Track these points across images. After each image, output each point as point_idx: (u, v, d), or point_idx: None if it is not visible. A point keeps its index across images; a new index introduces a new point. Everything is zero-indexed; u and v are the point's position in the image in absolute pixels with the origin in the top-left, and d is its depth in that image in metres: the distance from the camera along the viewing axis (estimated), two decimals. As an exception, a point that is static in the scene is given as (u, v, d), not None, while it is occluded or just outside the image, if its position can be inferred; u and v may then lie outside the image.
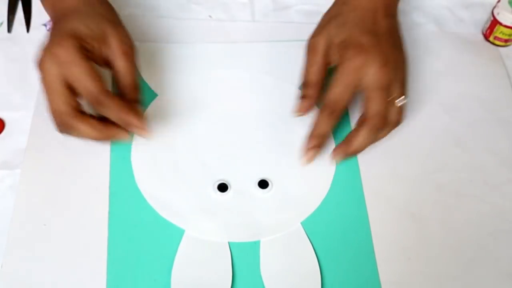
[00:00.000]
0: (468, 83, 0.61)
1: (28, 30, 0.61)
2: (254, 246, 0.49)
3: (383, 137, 0.53)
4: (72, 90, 0.46)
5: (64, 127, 0.47)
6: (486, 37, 0.65)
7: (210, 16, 0.65)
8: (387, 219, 0.51)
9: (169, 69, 0.59)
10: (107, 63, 0.50)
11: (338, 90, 0.50)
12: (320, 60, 0.52)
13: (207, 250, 0.48)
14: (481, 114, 0.59)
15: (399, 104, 0.50)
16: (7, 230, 0.48)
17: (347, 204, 0.52)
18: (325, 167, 0.54)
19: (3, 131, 0.54)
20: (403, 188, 0.53)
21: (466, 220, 0.52)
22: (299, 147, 0.54)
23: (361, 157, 0.54)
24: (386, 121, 0.50)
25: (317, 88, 0.52)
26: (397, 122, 0.52)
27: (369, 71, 0.49)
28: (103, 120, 0.49)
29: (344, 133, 0.56)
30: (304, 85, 0.53)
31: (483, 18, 0.66)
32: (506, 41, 0.64)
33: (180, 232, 0.49)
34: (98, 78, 0.46)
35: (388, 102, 0.50)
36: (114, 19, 0.51)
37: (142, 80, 0.58)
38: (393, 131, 0.55)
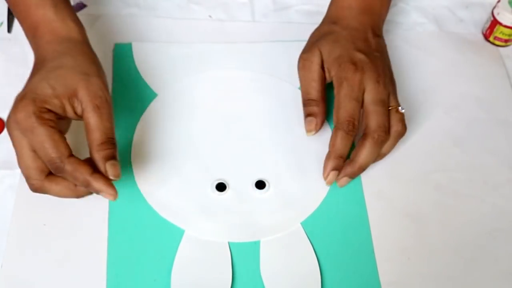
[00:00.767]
0: (468, 83, 0.61)
1: (28, 30, 0.61)
2: (254, 246, 0.49)
3: (387, 152, 0.52)
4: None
5: (36, 189, 0.46)
6: (486, 37, 0.65)
7: (210, 16, 0.65)
8: (387, 219, 0.51)
9: (169, 69, 0.59)
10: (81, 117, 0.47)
11: (349, 106, 0.49)
12: (318, 76, 0.52)
13: (207, 250, 0.48)
14: (481, 114, 0.59)
15: (402, 111, 0.51)
16: (7, 230, 0.48)
17: (347, 204, 0.52)
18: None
19: (3, 131, 0.54)
20: (402, 188, 0.53)
21: (466, 220, 0.52)
22: (299, 147, 0.54)
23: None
24: (388, 133, 0.50)
25: (322, 104, 0.53)
26: (401, 132, 0.51)
27: (366, 88, 0.50)
28: None
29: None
30: (308, 103, 0.53)
31: (483, 18, 0.66)
32: (506, 41, 0.64)
33: (180, 232, 0.49)
34: (58, 144, 0.43)
35: (389, 112, 0.50)
36: (89, 70, 0.47)
37: (142, 80, 0.58)
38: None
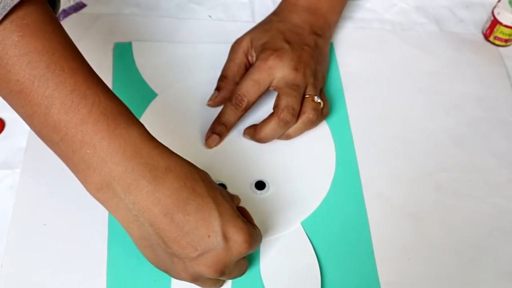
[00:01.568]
0: (468, 83, 0.61)
1: (28, 29, 0.61)
2: (254, 246, 0.49)
3: (293, 135, 0.53)
4: None
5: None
6: (486, 37, 0.65)
7: (210, 16, 0.64)
8: (386, 219, 0.51)
9: (169, 69, 0.59)
10: None
11: (245, 84, 0.53)
12: (239, 58, 0.56)
13: (207, 250, 0.48)
14: (481, 114, 0.59)
15: (317, 101, 0.53)
16: (7, 230, 0.48)
17: (347, 204, 0.52)
18: (325, 167, 0.54)
19: (3, 131, 0.54)
20: (402, 188, 0.53)
21: (466, 220, 0.52)
22: (298, 147, 0.54)
23: (360, 157, 0.54)
24: (296, 116, 0.52)
25: (230, 83, 0.55)
26: (311, 119, 0.52)
27: (279, 73, 0.52)
28: None
29: (343, 133, 0.56)
30: (220, 79, 0.56)
31: (483, 18, 0.66)
32: (506, 41, 0.64)
33: (180, 232, 0.49)
34: None
35: (305, 100, 0.52)
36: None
37: (142, 79, 0.58)
38: (394, 131, 0.55)
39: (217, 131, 0.54)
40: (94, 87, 0.37)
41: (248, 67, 0.56)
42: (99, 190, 0.37)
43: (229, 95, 0.54)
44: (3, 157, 0.52)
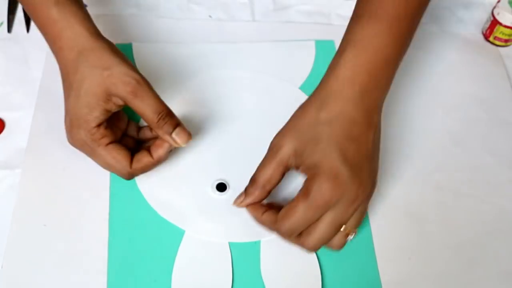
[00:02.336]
0: (468, 83, 0.61)
1: (28, 30, 0.61)
2: (255, 246, 0.49)
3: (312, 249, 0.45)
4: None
5: (129, 178, 0.49)
6: (486, 37, 0.65)
7: (210, 16, 0.65)
8: (387, 219, 0.51)
9: (169, 70, 0.59)
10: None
11: (295, 219, 0.43)
12: (278, 168, 0.45)
13: (207, 251, 0.48)
14: (481, 114, 0.59)
15: (350, 238, 0.45)
16: (8, 230, 0.48)
17: (347, 204, 0.52)
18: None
19: (3, 131, 0.54)
20: (403, 188, 0.53)
21: (466, 220, 0.52)
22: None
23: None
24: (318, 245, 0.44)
25: (263, 192, 0.45)
26: (334, 247, 0.46)
27: (336, 209, 0.43)
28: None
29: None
30: (252, 181, 0.46)
31: (483, 18, 0.66)
32: (506, 41, 0.64)
33: (180, 233, 0.49)
34: (119, 159, 0.46)
35: (340, 233, 0.45)
36: (108, 64, 0.45)
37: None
38: (394, 131, 0.55)
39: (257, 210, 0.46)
40: None
41: (285, 172, 0.46)
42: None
43: (257, 202, 0.46)
44: (4, 157, 0.52)
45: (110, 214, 0.50)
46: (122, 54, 0.48)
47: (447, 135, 0.57)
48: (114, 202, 0.50)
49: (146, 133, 0.51)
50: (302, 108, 0.46)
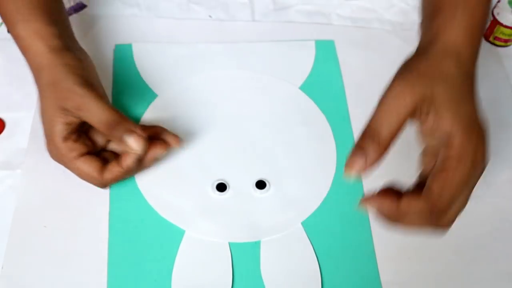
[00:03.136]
0: (468, 83, 0.61)
1: (28, 30, 0.61)
2: (255, 247, 0.49)
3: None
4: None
5: (104, 187, 0.49)
6: (486, 37, 0.65)
7: (210, 16, 0.65)
8: (387, 219, 0.51)
9: (169, 69, 0.59)
10: None
11: (458, 183, 0.39)
12: (401, 114, 0.40)
13: (207, 251, 0.48)
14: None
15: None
16: (8, 231, 0.48)
17: (347, 204, 0.52)
18: (325, 167, 0.54)
19: (4, 131, 0.54)
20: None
21: (466, 220, 0.52)
22: (299, 147, 0.54)
23: (361, 157, 0.54)
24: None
25: (384, 146, 0.40)
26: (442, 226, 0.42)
27: (480, 168, 0.40)
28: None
29: (344, 133, 0.56)
30: (365, 134, 0.40)
31: (483, 18, 0.66)
32: (506, 41, 0.64)
33: (180, 233, 0.49)
34: (93, 173, 0.47)
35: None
36: (59, 78, 0.46)
37: (142, 80, 0.58)
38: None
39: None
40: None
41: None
42: None
43: (378, 160, 0.40)
44: (4, 157, 0.52)
45: (110, 214, 0.50)
46: (77, 67, 0.47)
47: (447, 135, 0.57)
48: (114, 202, 0.50)
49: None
50: (422, 57, 0.43)
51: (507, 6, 0.62)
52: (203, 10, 0.65)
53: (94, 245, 0.48)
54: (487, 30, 0.64)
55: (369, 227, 0.50)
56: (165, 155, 0.51)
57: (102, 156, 0.48)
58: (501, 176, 0.55)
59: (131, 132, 0.45)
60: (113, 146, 0.50)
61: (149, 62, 0.59)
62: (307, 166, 0.54)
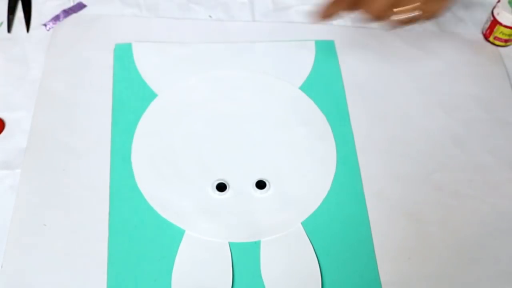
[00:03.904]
0: (468, 83, 0.61)
1: (28, 30, 0.61)
2: (255, 246, 0.49)
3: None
4: None
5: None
6: (486, 37, 0.65)
7: (210, 16, 0.65)
8: (387, 219, 0.51)
9: (169, 70, 0.59)
10: None
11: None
12: None
13: (207, 251, 0.48)
14: (481, 114, 0.59)
15: (415, 19, 0.51)
16: (8, 230, 0.48)
17: (347, 204, 0.52)
18: (325, 167, 0.54)
19: (3, 131, 0.54)
20: (403, 188, 0.53)
21: (466, 220, 0.52)
22: (299, 147, 0.55)
23: (361, 157, 0.54)
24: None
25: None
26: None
27: None
28: None
29: (344, 133, 0.56)
30: None
31: (483, 18, 0.66)
32: (506, 41, 0.64)
33: (180, 232, 0.49)
34: None
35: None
36: None
37: (142, 80, 0.58)
38: (394, 131, 0.55)
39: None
40: None
41: None
42: None
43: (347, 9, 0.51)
44: (3, 157, 0.52)
45: (110, 214, 0.50)
46: None
47: (447, 135, 0.57)
48: (114, 202, 0.50)
49: None
50: None
51: (507, 6, 0.62)
52: (203, 10, 0.65)
53: (94, 244, 0.48)
54: (487, 30, 0.64)
55: (369, 227, 0.50)
56: None
57: None
58: (501, 176, 0.55)
59: None
60: None
61: (149, 62, 0.59)
62: (307, 166, 0.54)
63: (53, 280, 0.46)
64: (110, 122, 0.54)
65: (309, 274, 0.48)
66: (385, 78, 0.61)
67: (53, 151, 0.52)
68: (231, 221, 0.50)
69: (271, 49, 0.62)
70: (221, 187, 0.52)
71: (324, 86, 0.59)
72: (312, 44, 0.62)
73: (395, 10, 0.49)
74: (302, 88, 0.59)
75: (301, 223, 0.50)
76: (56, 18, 0.62)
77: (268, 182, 0.52)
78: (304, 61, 0.61)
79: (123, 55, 0.59)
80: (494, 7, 0.63)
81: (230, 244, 0.49)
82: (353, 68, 0.61)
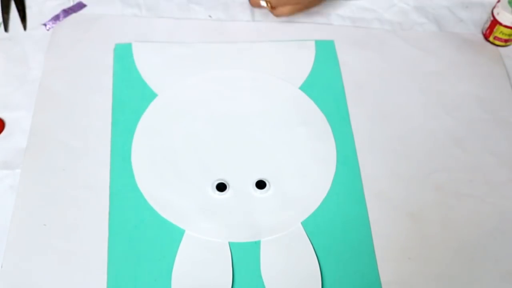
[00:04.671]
0: (468, 83, 0.61)
1: (25, 28, 0.61)
2: (255, 246, 0.49)
3: None
4: None
5: None
6: (486, 37, 0.65)
7: (210, 16, 0.65)
8: (387, 219, 0.51)
9: (169, 69, 0.59)
10: None
11: None
12: None
13: (207, 250, 0.48)
14: (481, 114, 0.59)
15: None
16: (8, 230, 0.48)
17: (347, 204, 0.52)
18: (325, 167, 0.54)
19: (3, 131, 0.54)
20: (403, 188, 0.53)
21: (466, 220, 0.52)
22: (299, 147, 0.55)
23: (361, 157, 0.54)
24: None
25: None
26: None
27: None
28: None
29: (344, 133, 0.56)
30: None
31: (483, 18, 0.66)
32: (506, 41, 0.64)
33: (180, 232, 0.49)
34: None
35: None
36: None
37: (142, 80, 0.58)
38: (394, 131, 0.55)
39: None
40: None
41: None
42: None
43: None
44: (3, 157, 0.52)
45: (110, 214, 0.50)
46: None
47: (447, 135, 0.57)
48: (114, 202, 0.50)
49: None
50: None
51: (507, 6, 0.62)
52: (203, 10, 0.65)
53: (94, 244, 0.48)
54: (487, 30, 0.64)
55: (369, 227, 0.50)
56: None
57: None
58: (501, 176, 0.55)
59: None
60: None
61: (149, 61, 0.59)
62: (307, 166, 0.54)
63: (53, 280, 0.46)
64: (110, 122, 0.54)
65: (309, 274, 0.48)
66: (385, 78, 0.61)
67: (53, 151, 0.52)
68: (231, 221, 0.50)
69: (271, 49, 0.62)
70: (221, 187, 0.52)
71: (324, 86, 0.59)
72: (312, 44, 0.62)
73: None
74: (302, 88, 0.59)
75: (301, 223, 0.50)
76: (56, 18, 0.62)
77: (268, 182, 0.52)
78: (304, 61, 0.61)
79: (123, 55, 0.59)
80: (494, 7, 0.63)
81: (230, 244, 0.49)
82: (353, 68, 0.61)
